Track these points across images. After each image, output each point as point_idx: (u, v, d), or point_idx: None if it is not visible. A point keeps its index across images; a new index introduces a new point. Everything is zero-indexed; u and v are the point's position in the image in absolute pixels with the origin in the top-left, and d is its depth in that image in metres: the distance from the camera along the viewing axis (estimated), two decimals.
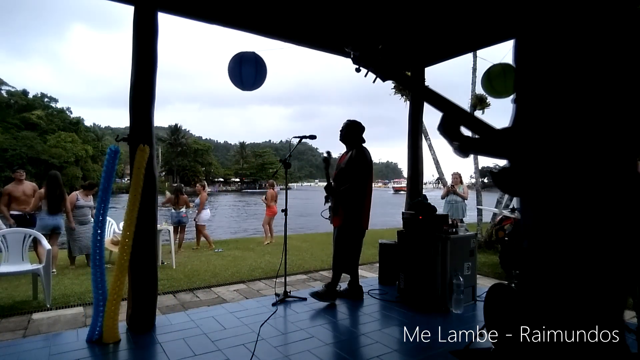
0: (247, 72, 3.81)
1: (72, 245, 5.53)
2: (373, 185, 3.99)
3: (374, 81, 1.44)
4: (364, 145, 3.93)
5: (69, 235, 5.52)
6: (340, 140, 4.03)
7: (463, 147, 1.27)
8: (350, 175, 3.75)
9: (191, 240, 9.55)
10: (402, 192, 64.44)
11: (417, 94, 1.40)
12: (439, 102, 1.30)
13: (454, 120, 1.27)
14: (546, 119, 1.08)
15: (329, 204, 3.95)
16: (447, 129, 1.28)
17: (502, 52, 4.68)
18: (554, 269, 1.09)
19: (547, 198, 1.09)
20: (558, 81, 1.06)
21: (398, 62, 4.70)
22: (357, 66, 1.38)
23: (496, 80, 4.41)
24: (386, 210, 25.93)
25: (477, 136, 1.25)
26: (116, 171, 3.14)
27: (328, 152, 4.00)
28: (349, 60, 1.41)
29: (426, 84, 5.40)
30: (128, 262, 2.96)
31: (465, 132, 1.29)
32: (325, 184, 4.05)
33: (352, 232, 3.82)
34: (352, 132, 3.94)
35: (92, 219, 5.56)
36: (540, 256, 1.14)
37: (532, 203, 1.15)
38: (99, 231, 2.94)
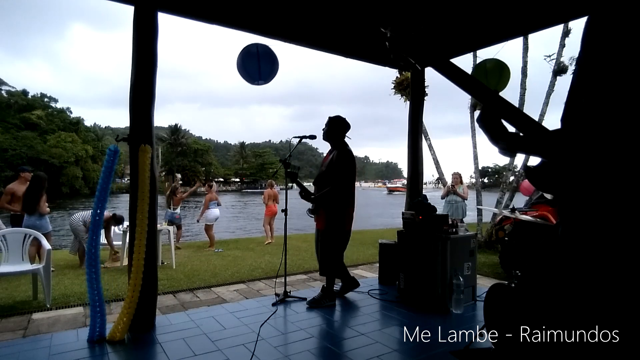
0: (264, 66, 3.76)
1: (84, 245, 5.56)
2: (372, 185, 3.96)
3: (410, 70, 1.28)
4: (348, 145, 3.86)
5: (83, 236, 5.54)
6: (323, 138, 3.92)
7: (510, 147, 1.14)
8: (331, 178, 3.68)
9: (189, 240, 9.56)
10: (396, 192, 63.41)
11: (459, 83, 1.24)
12: (482, 92, 1.17)
13: (497, 114, 1.14)
14: (617, 119, 0.96)
15: (312, 206, 3.86)
16: (489, 123, 1.15)
17: (502, 52, 4.69)
18: (603, 271, 1.01)
19: (602, 200, 0.98)
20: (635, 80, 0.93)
21: (437, 47, 4.46)
22: (391, 53, 1.20)
23: (492, 75, 4.39)
24: (385, 211, 25.92)
25: (522, 134, 1.12)
26: (116, 171, 3.15)
27: (292, 165, 3.87)
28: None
29: (426, 84, 5.39)
30: (143, 262, 2.99)
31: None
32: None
33: (334, 235, 3.74)
34: (336, 129, 3.85)
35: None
36: (588, 258, 1.04)
37: (581, 203, 1.02)
38: (95, 230, 2.93)
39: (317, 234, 3.90)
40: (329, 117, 3.92)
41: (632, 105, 0.95)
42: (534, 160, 1.16)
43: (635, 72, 0.95)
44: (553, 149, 1.06)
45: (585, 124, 1.02)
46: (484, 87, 1.18)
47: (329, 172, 3.72)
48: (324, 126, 3.93)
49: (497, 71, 4.36)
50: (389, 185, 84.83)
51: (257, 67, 3.75)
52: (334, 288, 3.89)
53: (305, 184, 3.97)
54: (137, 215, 2.98)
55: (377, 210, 26.71)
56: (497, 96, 1.14)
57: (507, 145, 1.14)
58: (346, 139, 3.90)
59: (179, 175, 8.29)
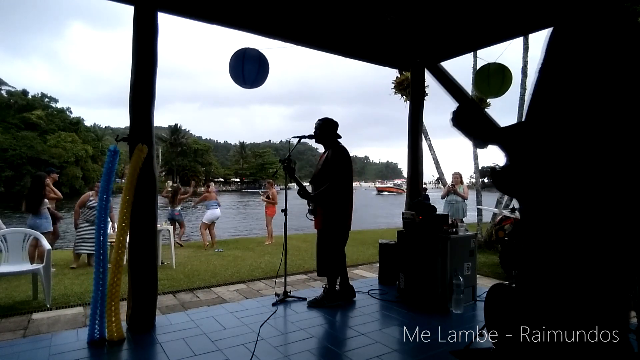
0: (249, 69, 3.79)
1: (77, 243, 5.58)
2: (372, 185, 3.96)
3: (409, 70, 1.65)
4: (340, 142, 3.87)
5: (77, 233, 5.60)
6: (316, 141, 3.95)
7: (483, 138, 1.29)
8: (327, 177, 3.68)
9: (188, 240, 9.56)
10: (385, 192, 61.04)
11: (444, 85, 1.54)
12: (462, 96, 1.37)
13: (473, 114, 1.29)
14: (567, 119, 1.06)
15: (310, 207, 3.86)
16: (462, 123, 1.30)
17: (503, 53, 4.68)
18: (555, 268, 1.08)
19: (552, 198, 1.08)
20: (586, 88, 1.06)
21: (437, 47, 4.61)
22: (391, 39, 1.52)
23: (494, 79, 4.39)
24: (374, 214, 25.89)
25: (489, 127, 1.27)
26: (116, 171, 3.15)
27: (290, 160, 3.83)
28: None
29: (426, 84, 5.39)
30: (123, 260, 2.98)
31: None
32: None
33: (333, 234, 3.73)
34: (326, 131, 3.87)
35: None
36: (541, 256, 1.13)
37: (535, 203, 1.14)
38: (101, 231, 2.94)
39: (317, 235, 3.90)
40: (318, 120, 3.94)
41: (590, 110, 1.05)
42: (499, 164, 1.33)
43: (594, 79, 1.06)
44: (515, 142, 1.22)
45: (545, 127, 1.14)
46: (463, 92, 1.36)
47: (325, 170, 3.72)
48: (314, 130, 3.93)
49: (500, 74, 4.37)
50: (378, 185, 79.39)
51: (241, 70, 3.78)
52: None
53: (305, 184, 3.96)
54: (120, 212, 2.95)
55: (366, 213, 26.69)
56: (473, 100, 1.27)
57: (479, 137, 1.30)
58: (340, 139, 3.90)
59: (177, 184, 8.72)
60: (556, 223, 1.08)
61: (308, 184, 4.11)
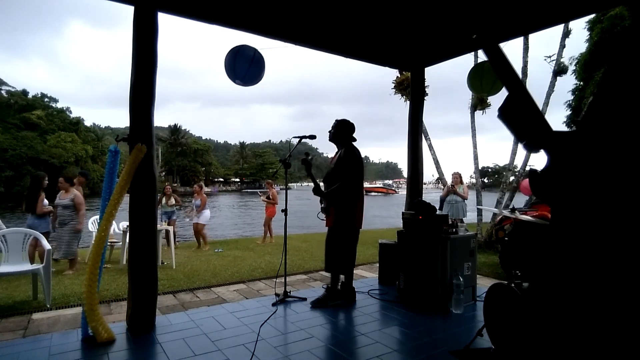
0: (241, 65, 3.77)
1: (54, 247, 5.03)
2: (368, 185, 3.94)
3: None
4: (354, 144, 3.90)
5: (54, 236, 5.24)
6: (329, 140, 3.98)
7: (529, 137, 1.13)
8: (340, 175, 3.72)
9: (185, 241, 9.56)
10: (374, 193, 57.79)
11: (492, 59, 1.19)
12: (511, 79, 1.15)
13: (518, 106, 1.12)
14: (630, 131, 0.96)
15: (323, 205, 3.90)
16: (509, 115, 1.14)
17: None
18: (593, 276, 1.01)
19: (600, 208, 0.98)
20: None
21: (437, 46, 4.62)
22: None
23: (487, 77, 4.37)
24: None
25: (540, 131, 1.11)
26: (118, 171, 3.15)
27: (307, 154, 3.83)
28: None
29: (426, 84, 5.39)
30: (100, 258, 2.90)
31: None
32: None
33: (344, 232, 3.76)
34: (342, 131, 3.91)
35: (72, 220, 5.21)
36: (577, 263, 1.03)
37: (578, 211, 1.02)
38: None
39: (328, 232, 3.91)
40: (336, 120, 3.97)
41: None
42: (538, 165, 1.16)
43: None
44: (563, 150, 1.07)
45: (596, 130, 1.03)
46: (516, 75, 1.16)
47: (338, 169, 3.76)
48: (330, 128, 3.97)
49: (494, 72, 4.34)
50: (366, 185, 77.05)
51: (232, 66, 3.77)
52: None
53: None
54: (106, 211, 2.89)
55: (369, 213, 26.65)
56: (524, 88, 1.13)
57: (531, 141, 1.13)
58: (354, 143, 3.92)
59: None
60: (600, 233, 0.99)
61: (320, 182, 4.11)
